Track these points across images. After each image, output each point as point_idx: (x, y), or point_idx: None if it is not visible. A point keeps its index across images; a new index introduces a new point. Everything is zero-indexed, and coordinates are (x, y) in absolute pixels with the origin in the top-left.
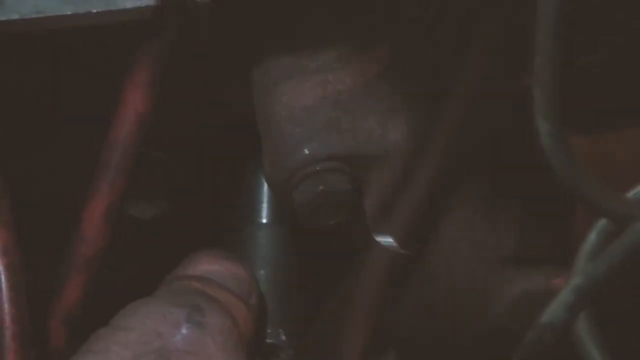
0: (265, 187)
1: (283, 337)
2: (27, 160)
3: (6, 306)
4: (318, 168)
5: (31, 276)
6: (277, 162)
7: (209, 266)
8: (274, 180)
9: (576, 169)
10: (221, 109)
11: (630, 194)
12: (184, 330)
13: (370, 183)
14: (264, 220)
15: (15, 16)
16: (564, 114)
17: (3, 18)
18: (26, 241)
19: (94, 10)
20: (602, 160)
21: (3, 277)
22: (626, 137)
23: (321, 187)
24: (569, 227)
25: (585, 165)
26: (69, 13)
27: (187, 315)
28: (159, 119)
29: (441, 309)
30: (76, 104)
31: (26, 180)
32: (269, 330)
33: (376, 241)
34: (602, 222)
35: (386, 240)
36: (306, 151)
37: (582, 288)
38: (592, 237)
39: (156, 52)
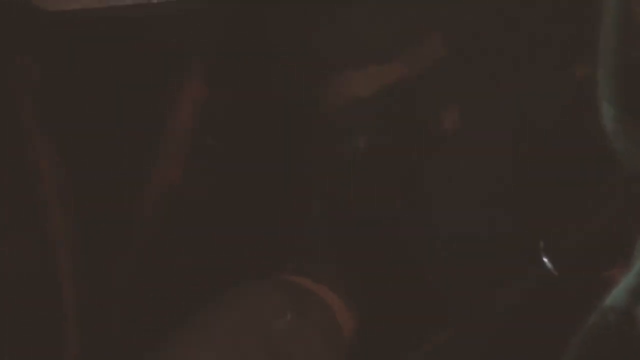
0: None
1: None
2: (88, 147)
3: (69, 289)
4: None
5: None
6: (332, 150)
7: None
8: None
9: None
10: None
11: None
12: (288, 317)
13: (426, 169)
14: None
15: (77, 6)
16: (629, 101)
17: (66, 8)
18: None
19: (154, 1)
20: None
21: (65, 260)
22: None
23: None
24: (626, 218)
25: None
26: (129, 3)
27: (290, 301)
28: (213, 107)
29: None
30: (132, 93)
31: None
32: None
33: None
34: None
35: None
36: (363, 139)
37: None
38: None
39: (210, 42)
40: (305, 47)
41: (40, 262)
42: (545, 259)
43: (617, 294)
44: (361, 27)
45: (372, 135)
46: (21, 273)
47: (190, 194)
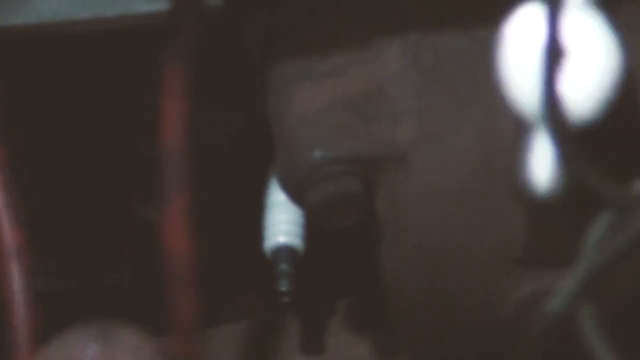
0: None
1: None
2: (42, 166)
3: (20, 309)
4: (330, 170)
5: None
6: (289, 165)
7: None
8: (286, 183)
9: (582, 161)
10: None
11: (636, 186)
12: (90, 351)
13: (381, 183)
14: None
15: (34, 20)
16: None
17: (22, 22)
18: (37, 244)
19: (109, 15)
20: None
21: (17, 280)
22: None
23: (334, 189)
24: (581, 228)
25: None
26: (84, 17)
27: (95, 335)
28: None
29: (450, 308)
30: (93, 109)
31: (40, 185)
32: None
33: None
34: (608, 215)
35: None
36: (318, 154)
37: (584, 278)
38: (598, 228)
39: (182, 57)
40: (264, 61)
41: None
42: None
43: (557, 301)
44: (317, 40)
45: (328, 148)
46: None
47: None
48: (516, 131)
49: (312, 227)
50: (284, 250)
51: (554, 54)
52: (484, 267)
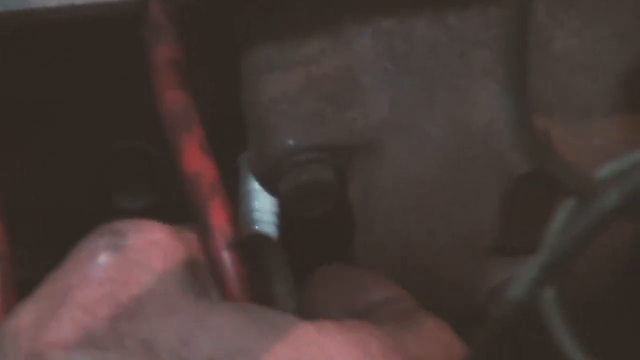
0: None
1: None
2: (12, 156)
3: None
4: (303, 158)
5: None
6: (261, 153)
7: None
8: (259, 171)
9: (543, 149)
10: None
11: (596, 173)
12: (101, 259)
13: (354, 172)
14: None
15: (2, 8)
16: (532, 95)
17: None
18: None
19: (79, 3)
20: (579, 149)
21: None
22: (602, 126)
23: (306, 177)
24: (551, 217)
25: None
26: (53, 5)
27: (106, 243)
28: (148, 111)
29: (422, 297)
30: (64, 99)
31: (12, 176)
32: None
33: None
34: (570, 202)
35: None
36: (290, 142)
37: (547, 263)
38: (561, 216)
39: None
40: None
41: None
42: None
43: (519, 286)
44: (290, 29)
45: (300, 136)
46: None
47: None
48: (488, 120)
49: (285, 216)
50: (257, 239)
51: (522, 44)
52: (456, 257)
